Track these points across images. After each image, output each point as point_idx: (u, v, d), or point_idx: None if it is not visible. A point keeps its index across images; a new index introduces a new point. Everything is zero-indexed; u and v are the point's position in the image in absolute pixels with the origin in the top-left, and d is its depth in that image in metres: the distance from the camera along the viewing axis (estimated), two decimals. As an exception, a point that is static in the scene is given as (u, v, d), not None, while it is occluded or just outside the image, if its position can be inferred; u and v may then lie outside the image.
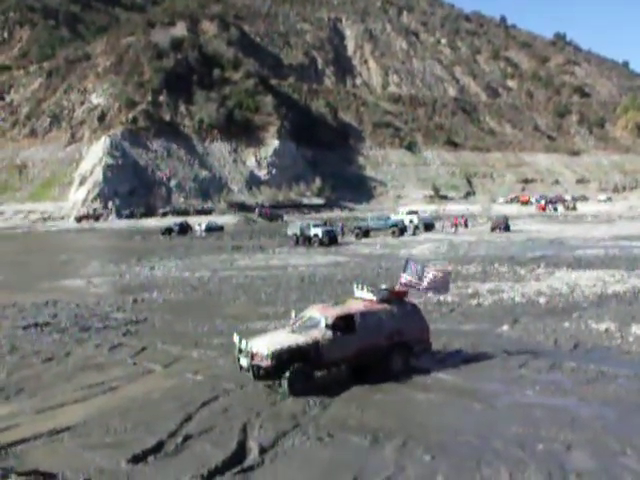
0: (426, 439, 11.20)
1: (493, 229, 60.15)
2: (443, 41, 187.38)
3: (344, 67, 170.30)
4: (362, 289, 16.07)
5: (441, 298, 24.33)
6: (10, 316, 23.85)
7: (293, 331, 14.69)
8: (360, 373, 14.83)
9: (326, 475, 9.94)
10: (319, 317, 14.68)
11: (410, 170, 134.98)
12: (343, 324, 14.54)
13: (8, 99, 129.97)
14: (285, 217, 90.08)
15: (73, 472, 9.75)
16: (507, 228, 59.08)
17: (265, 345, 13.82)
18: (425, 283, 16.37)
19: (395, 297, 15.69)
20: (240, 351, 14.25)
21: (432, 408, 13.07)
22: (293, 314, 15.76)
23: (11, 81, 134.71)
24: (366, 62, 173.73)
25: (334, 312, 14.81)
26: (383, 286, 16.68)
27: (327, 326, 14.31)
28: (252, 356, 13.82)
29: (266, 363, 13.60)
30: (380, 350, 14.78)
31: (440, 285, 16.68)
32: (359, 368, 14.95)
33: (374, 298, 15.49)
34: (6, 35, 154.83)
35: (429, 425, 12.05)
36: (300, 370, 13.70)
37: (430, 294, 17.59)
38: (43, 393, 14.49)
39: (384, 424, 11.98)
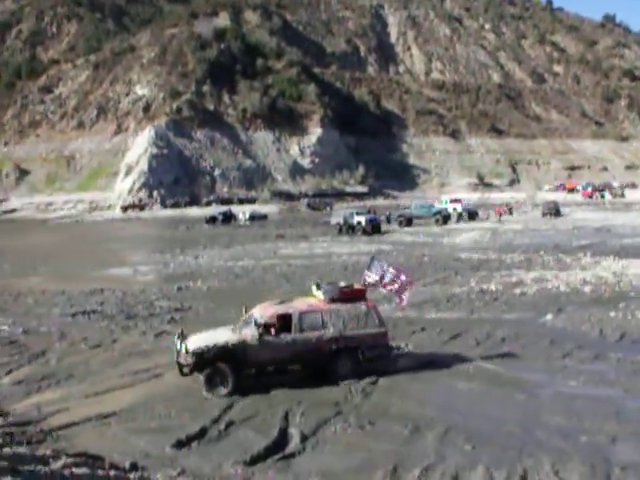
0: (467, 428, 11.18)
1: (544, 214, 59.64)
2: (487, 26, 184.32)
3: (387, 54, 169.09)
4: (318, 287, 14.95)
5: (484, 287, 24.19)
6: (60, 304, 24.47)
7: (233, 329, 14.18)
8: (317, 374, 14.10)
9: (367, 463, 10.01)
10: (256, 316, 14.11)
11: (454, 158, 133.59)
12: (278, 324, 13.99)
13: (57, 92, 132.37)
14: (335, 206, 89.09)
15: (120, 455, 9.98)
16: (558, 213, 58.42)
17: (192, 343, 13.69)
18: (387, 282, 15.20)
19: (347, 297, 14.38)
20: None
21: (474, 397, 13.01)
22: (244, 310, 15.13)
23: (60, 74, 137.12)
24: (409, 49, 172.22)
25: (270, 311, 14.20)
26: (342, 284, 15.33)
27: (257, 326, 13.67)
28: (178, 353, 13.79)
29: (187, 361, 13.54)
30: (322, 353, 13.87)
31: (400, 289, 15.26)
32: (307, 370, 14.27)
33: (322, 297, 14.49)
34: (55, 30, 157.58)
35: (470, 414, 12.01)
36: (220, 369, 13.31)
37: (390, 292, 15.73)
38: (91, 379, 14.87)
39: (425, 413, 12.01)
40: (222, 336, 13.99)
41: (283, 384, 13.79)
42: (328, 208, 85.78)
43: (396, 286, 15.20)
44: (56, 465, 7.63)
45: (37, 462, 7.63)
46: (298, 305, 14.49)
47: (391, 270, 15.41)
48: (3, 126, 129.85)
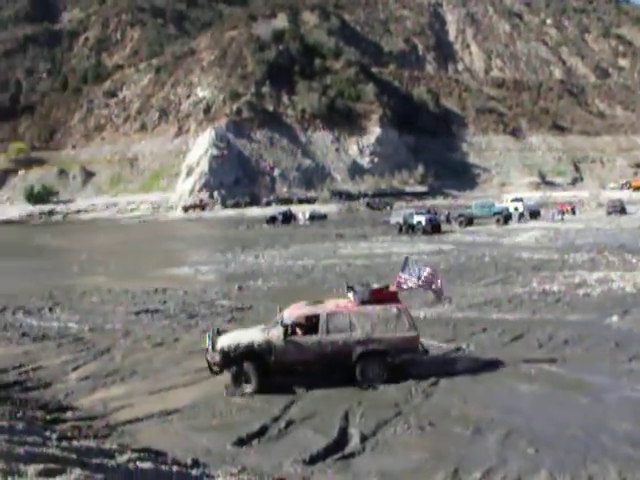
0: (530, 432, 10.98)
1: (609, 213, 58.26)
2: (549, 21, 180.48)
3: (445, 52, 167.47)
4: (350, 289, 14.54)
5: (546, 287, 23.75)
6: (124, 302, 25.07)
7: (263, 329, 14.18)
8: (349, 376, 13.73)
9: (427, 465, 9.93)
10: (285, 316, 14.04)
11: (515, 156, 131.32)
12: (305, 325, 13.91)
13: (121, 96, 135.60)
14: (395, 205, 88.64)
15: (182, 452, 10.13)
16: (623, 211, 56.95)
17: (221, 341, 13.88)
18: (421, 282, 14.71)
19: (378, 299, 14.02)
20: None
21: (536, 400, 12.77)
22: (278, 310, 14.98)
23: (123, 79, 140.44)
24: (468, 47, 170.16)
25: (297, 312, 14.12)
26: (375, 285, 15.08)
27: (284, 326, 13.64)
28: (207, 350, 13.96)
29: (214, 359, 13.75)
30: (349, 356, 13.58)
31: (436, 286, 14.96)
32: (330, 372, 13.90)
33: (353, 299, 14.13)
34: (119, 36, 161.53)
35: (533, 417, 11.79)
36: (244, 368, 13.48)
37: (427, 290, 15.31)
38: (154, 376, 15.16)
39: (486, 415, 11.85)
40: (250, 336, 14.08)
41: (339, 384, 13.78)
42: (388, 207, 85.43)
43: (431, 284, 14.84)
44: (121, 459, 7.81)
45: (103, 455, 7.83)
46: (327, 306, 14.25)
47: (427, 270, 14.99)
48: (70, 130, 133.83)
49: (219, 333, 14.57)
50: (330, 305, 14.34)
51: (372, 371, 13.66)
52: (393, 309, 13.85)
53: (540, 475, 9.37)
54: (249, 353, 13.64)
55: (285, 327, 13.67)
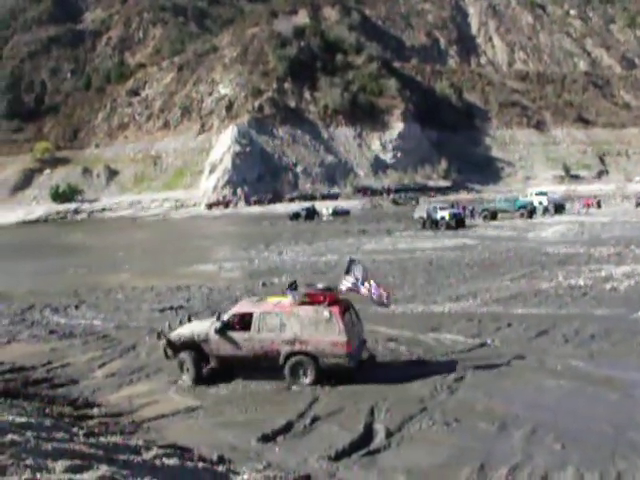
0: (556, 427, 10.89)
1: (638, 205, 57.85)
2: (572, 12, 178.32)
3: (468, 46, 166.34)
4: (290, 287, 14.53)
5: (572, 281, 23.53)
6: (148, 299, 25.27)
7: (212, 323, 14.57)
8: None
9: (452, 460, 9.89)
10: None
11: (539, 150, 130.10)
12: (240, 322, 14.23)
13: (143, 94, 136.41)
14: (421, 200, 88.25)
15: (207, 448, 10.18)
16: None
17: (176, 331, 14.93)
18: (366, 288, 14.38)
19: (313, 301, 13.91)
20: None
21: (563, 395, 12.65)
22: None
23: (146, 77, 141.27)
24: (491, 39, 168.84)
25: (236, 309, 14.64)
26: (320, 285, 14.77)
27: (221, 322, 14.19)
28: (158, 335, 15.24)
29: (163, 345, 14.81)
30: (278, 355, 13.75)
31: (379, 297, 14.51)
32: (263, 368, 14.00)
33: (291, 299, 14.21)
34: (141, 35, 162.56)
35: (559, 413, 11.68)
36: (189, 357, 14.24)
37: (371, 299, 14.65)
38: (179, 373, 15.23)
39: (512, 410, 11.77)
40: (196, 328, 14.82)
41: (364, 380, 13.78)
42: (414, 202, 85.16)
43: (374, 291, 14.39)
44: (148, 455, 7.87)
45: (130, 452, 7.89)
46: (262, 305, 14.48)
47: (369, 275, 14.70)
48: (94, 129, 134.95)
49: (190, 320, 15.81)
50: (266, 304, 14.50)
51: (299, 372, 13.73)
52: (324, 312, 13.62)
53: (567, 471, 9.29)
54: (189, 343, 14.40)
55: (221, 322, 14.16)
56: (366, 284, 14.37)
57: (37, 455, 5.77)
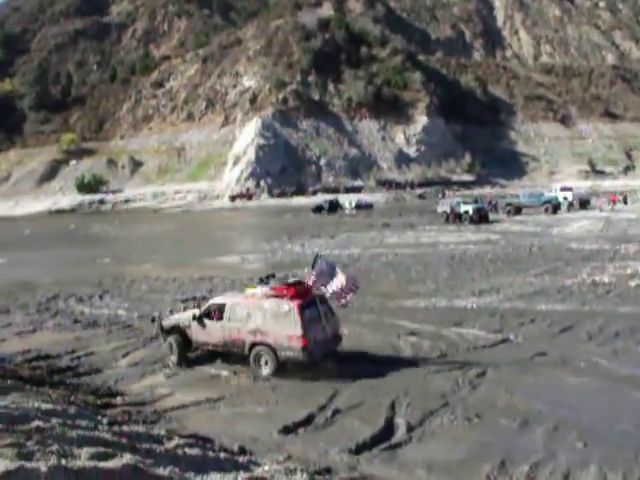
0: (579, 425, 10.80)
1: None
2: (601, 4, 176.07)
3: (493, 39, 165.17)
4: (260, 281, 15.22)
5: (596, 278, 23.31)
6: (171, 290, 25.44)
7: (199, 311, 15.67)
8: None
9: (473, 456, 9.86)
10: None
11: (564, 144, 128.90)
12: (216, 312, 15.06)
13: (168, 86, 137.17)
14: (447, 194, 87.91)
15: (228, 439, 10.24)
16: None
17: (171, 317, 16.66)
18: (332, 285, 14.25)
19: (277, 294, 14.35)
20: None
21: (586, 393, 12.56)
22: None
23: (170, 69, 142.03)
24: (516, 32, 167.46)
25: (214, 300, 15.77)
26: (291, 279, 15.31)
27: (199, 310, 15.43)
28: (152, 319, 17.22)
29: (156, 329, 16.43)
30: (244, 345, 14.42)
31: (343, 293, 14.35)
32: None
33: (259, 291, 14.75)
34: (166, 27, 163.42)
35: (582, 410, 11.59)
36: (174, 341, 15.51)
37: (330, 296, 14.48)
38: (200, 364, 15.37)
39: (534, 407, 11.69)
40: (184, 315, 16.15)
41: (385, 373, 13.77)
42: (440, 195, 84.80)
43: (337, 287, 14.26)
44: (170, 444, 7.93)
45: (152, 441, 7.96)
46: (234, 297, 15.63)
47: (336, 270, 14.62)
48: (119, 120, 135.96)
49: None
50: (237, 296, 15.64)
51: (260, 361, 14.27)
52: (285, 306, 14.00)
53: (590, 470, 9.21)
54: (176, 329, 15.75)
55: (200, 312, 15.36)
56: (334, 280, 14.30)
57: (63, 442, 5.85)
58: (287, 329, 13.85)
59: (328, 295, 14.42)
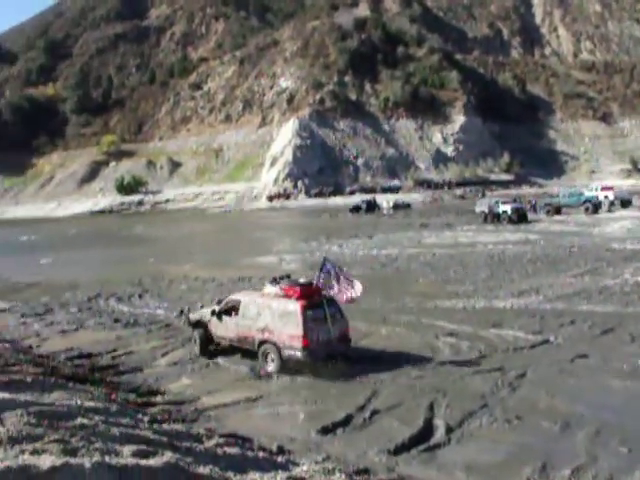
0: (622, 430, 10.56)
1: None
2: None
3: (532, 37, 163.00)
4: (271, 282, 15.69)
5: (639, 279, 22.89)
6: (210, 290, 25.65)
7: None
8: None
9: (513, 459, 9.75)
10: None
11: (605, 143, 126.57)
12: (233, 308, 15.84)
13: (205, 88, 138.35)
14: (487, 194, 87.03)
15: (267, 438, 10.28)
16: None
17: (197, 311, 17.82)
18: (337, 287, 14.51)
19: (285, 293, 14.91)
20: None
21: (629, 397, 12.31)
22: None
23: (208, 71, 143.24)
24: (555, 29, 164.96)
25: (229, 298, 16.52)
26: (302, 280, 15.63)
27: (218, 307, 16.33)
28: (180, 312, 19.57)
29: (184, 322, 17.95)
30: (253, 341, 15.10)
31: (350, 294, 14.54)
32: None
33: (271, 291, 15.41)
34: (204, 30, 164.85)
35: (625, 414, 11.36)
36: (197, 334, 16.51)
37: (340, 298, 14.71)
38: (238, 364, 15.46)
39: (576, 410, 11.51)
40: (206, 311, 16.93)
41: (423, 374, 13.70)
42: (480, 195, 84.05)
43: (342, 287, 14.52)
44: (209, 443, 8.00)
45: (192, 439, 8.04)
46: (251, 295, 16.37)
47: (342, 273, 14.92)
48: (158, 122, 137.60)
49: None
50: (251, 294, 16.46)
51: (267, 358, 14.84)
52: (290, 306, 14.49)
53: (634, 476, 9.00)
54: (198, 323, 16.75)
55: (219, 308, 16.22)
56: (337, 285, 14.54)
57: (105, 439, 5.95)
58: (291, 329, 14.32)
59: (333, 295, 14.67)
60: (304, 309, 14.31)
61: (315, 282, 14.80)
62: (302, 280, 15.64)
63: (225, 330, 15.89)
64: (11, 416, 6.16)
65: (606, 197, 57.52)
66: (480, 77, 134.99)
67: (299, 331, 14.16)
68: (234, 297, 16.34)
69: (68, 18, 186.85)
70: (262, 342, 14.84)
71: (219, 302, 16.72)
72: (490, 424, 11.05)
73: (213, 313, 16.16)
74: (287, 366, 14.32)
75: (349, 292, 14.47)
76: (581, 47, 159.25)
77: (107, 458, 4.99)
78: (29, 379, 10.09)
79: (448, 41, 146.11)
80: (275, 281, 15.54)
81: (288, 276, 16.25)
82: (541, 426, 10.88)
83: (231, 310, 15.87)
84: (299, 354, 14.21)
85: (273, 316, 14.70)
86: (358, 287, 14.55)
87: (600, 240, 35.76)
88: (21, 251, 50.12)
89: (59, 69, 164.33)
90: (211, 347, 16.42)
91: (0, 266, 38.89)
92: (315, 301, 14.62)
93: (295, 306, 14.37)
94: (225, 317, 15.92)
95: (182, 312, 18.00)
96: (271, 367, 14.59)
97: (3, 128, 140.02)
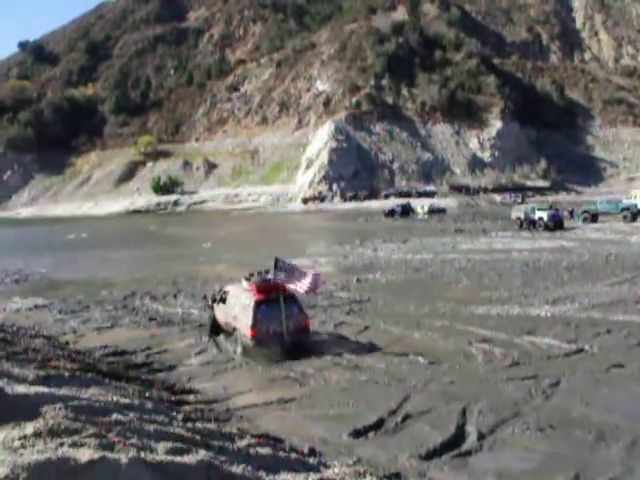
0: (659, 441, 10.41)
1: None
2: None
3: (571, 41, 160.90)
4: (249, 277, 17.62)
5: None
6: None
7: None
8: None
9: (545, 467, 9.64)
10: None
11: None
12: (225, 297, 17.84)
13: (242, 90, 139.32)
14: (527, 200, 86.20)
15: (299, 440, 10.31)
16: None
17: None
18: (295, 282, 16.06)
19: (249, 288, 16.86)
20: None
21: (666, 408, 12.11)
22: None
23: (245, 73, 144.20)
24: (596, 34, 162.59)
25: (225, 288, 18.68)
26: (269, 276, 16.93)
27: (217, 295, 18.54)
28: (204, 297, 21.17)
29: (206, 306, 19.78)
30: (231, 326, 17.10)
31: (310, 285, 16.00)
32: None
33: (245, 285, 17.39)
34: (242, 32, 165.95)
35: (662, 426, 11.18)
36: (209, 317, 18.71)
37: (300, 291, 16.21)
38: (272, 365, 15.55)
39: (611, 420, 11.33)
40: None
41: (457, 381, 13.64)
42: (518, 201, 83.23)
43: (298, 282, 16.04)
44: (242, 443, 8.04)
45: (225, 439, 8.09)
46: (235, 287, 18.12)
47: (298, 271, 16.48)
48: (194, 123, 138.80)
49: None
50: (236, 287, 18.04)
51: (236, 342, 16.65)
52: (247, 300, 16.52)
53: (670, 487, 8.89)
54: (211, 308, 18.61)
55: (213, 297, 18.62)
56: (294, 280, 16.14)
57: (141, 435, 6.04)
58: (247, 319, 16.11)
59: (294, 290, 16.31)
60: (257, 303, 16.15)
61: (274, 279, 16.37)
62: (269, 277, 16.97)
63: (220, 315, 17.91)
64: (50, 410, 6.29)
65: (645, 205, 56.50)
66: (518, 82, 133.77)
67: (249, 322, 15.98)
68: (226, 288, 18.54)
69: (109, 20, 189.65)
70: (234, 329, 16.85)
71: (219, 291, 18.89)
72: (523, 432, 10.94)
73: (214, 300, 18.35)
74: (245, 352, 16.13)
75: (305, 285, 15.94)
76: (622, 52, 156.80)
77: (142, 454, 5.07)
78: (66, 374, 10.27)
79: (486, 45, 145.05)
80: (251, 276, 17.44)
81: (260, 272, 17.58)
82: (575, 436, 10.75)
83: (225, 299, 17.75)
84: (250, 343, 16.02)
85: (240, 307, 16.66)
86: (314, 279, 16.05)
87: (638, 249, 35.18)
88: (72, 248, 51.05)
89: (99, 70, 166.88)
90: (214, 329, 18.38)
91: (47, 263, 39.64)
92: (271, 297, 16.20)
93: (250, 300, 16.28)
94: (221, 304, 17.87)
95: (205, 297, 19.37)
96: (237, 351, 16.39)
97: (44, 128, 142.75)
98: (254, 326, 15.88)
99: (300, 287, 15.99)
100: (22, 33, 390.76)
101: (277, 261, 16.40)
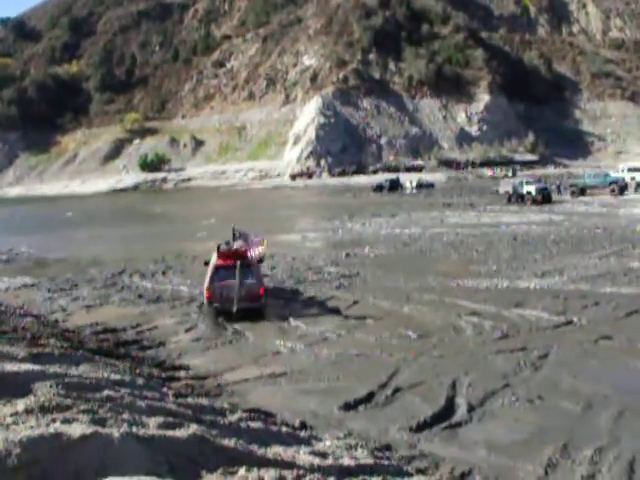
0: (646, 411, 10.53)
1: None
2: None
3: (559, 14, 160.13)
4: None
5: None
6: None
7: None
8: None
9: (535, 438, 9.73)
10: None
11: (633, 123, 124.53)
12: (207, 262, 19.50)
13: (229, 66, 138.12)
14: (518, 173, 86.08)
15: (290, 414, 10.37)
16: None
17: None
18: (249, 251, 18.46)
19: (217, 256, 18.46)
20: None
21: (654, 378, 12.24)
22: None
23: (231, 49, 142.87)
24: (584, 6, 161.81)
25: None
26: (235, 245, 19.20)
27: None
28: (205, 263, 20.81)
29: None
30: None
31: (256, 253, 18.81)
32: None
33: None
34: (227, 7, 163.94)
35: (650, 396, 11.30)
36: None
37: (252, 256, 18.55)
38: (262, 340, 15.58)
39: (599, 391, 11.45)
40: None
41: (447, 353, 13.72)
42: (510, 174, 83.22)
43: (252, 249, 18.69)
44: (233, 417, 8.08)
45: (216, 413, 8.12)
46: (212, 254, 19.28)
47: (250, 240, 19.50)
48: (181, 100, 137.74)
49: None
50: (212, 254, 19.21)
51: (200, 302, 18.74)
52: (212, 264, 18.21)
53: (658, 456, 8.98)
54: None
55: (206, 260, 19.95)
56: (253, 248, 18.75)
57: (132, 410, 6.05)
58: (205, 282, 17.80)
59: (251, 255, 18.33)
60: (215, 269, 17.80)
61: (233, 248, 18.57)
62: (235, 245, 19.10)
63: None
64: (41, 387, 6.29)
65: (633, 178, 56.77)
66: (506, 56, 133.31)
67: (206, 284, 17.69)
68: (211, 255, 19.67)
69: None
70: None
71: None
72: (512, 404, 11.04)
73: (205, 263, 19.44)
74: (201, 310, 18.30)
75: (256, 252, 18.62)
76: (610, 24, 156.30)
77: (134, 429, 5.08)
78: (57, 352, 10.25)
79: (474, 19, 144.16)
80: (227, 244, 19.29)
81: (227, 242, 19.62)
82: (563, 407, 10.86)
83: (208, 262, 19.14)
84: (206, 303, 17.87)
85: (208, 271, 18.10)
86: (261, 247, 19.16)
87: (626, 222, 35.36)
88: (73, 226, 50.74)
89: (83, 47, 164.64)
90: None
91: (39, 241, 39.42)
92: (228, 264, 17.59)
93: (220, 266, 17.79)
94: (206, 267, 19.05)
95: (206, 264, 19.51)
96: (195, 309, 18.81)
97: (28, 106, 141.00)
98: (209, 289, 17.55)
99: (251, 253, 18.25)
100: (2, 9, 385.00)
101: (234, 231, 19.06)
